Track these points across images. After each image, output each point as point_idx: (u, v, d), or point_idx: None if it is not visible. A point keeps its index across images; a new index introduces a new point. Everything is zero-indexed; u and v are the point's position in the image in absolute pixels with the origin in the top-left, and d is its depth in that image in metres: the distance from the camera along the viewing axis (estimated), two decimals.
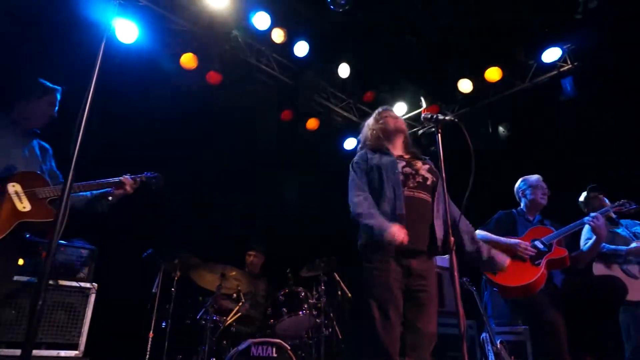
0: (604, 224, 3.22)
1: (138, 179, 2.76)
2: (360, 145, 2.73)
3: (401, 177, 2.37)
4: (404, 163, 2.45)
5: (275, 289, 4.45)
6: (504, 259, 2.49)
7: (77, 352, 3.14)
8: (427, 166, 2.50)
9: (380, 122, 2.64)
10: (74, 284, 3.27)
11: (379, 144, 2.57)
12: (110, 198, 2.64)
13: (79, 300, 3.27)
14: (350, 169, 2.51)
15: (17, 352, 2.81)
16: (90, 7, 3.87)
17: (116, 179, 2.66)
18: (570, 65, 5.31)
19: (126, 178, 2.68)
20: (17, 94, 2.58)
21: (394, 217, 2.23)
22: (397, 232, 2.09)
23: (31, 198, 2.29)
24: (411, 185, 2.37)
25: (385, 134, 2.60)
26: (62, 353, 3.08)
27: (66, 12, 4.08)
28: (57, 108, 2.66)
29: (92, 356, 3.20)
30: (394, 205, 2.27)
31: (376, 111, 2.74)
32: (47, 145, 2.71)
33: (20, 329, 2.95)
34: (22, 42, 4.12)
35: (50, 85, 2.65)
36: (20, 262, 3.08)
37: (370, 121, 2.73)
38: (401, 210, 2.25)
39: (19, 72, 3.50)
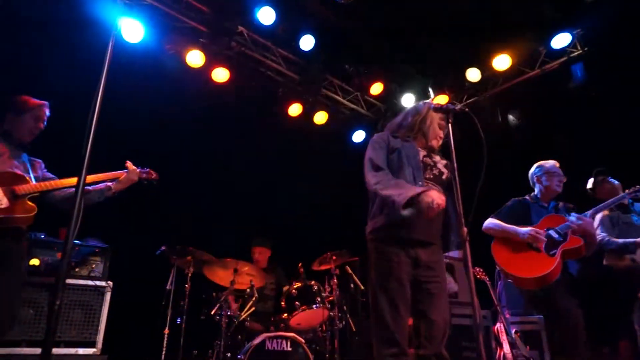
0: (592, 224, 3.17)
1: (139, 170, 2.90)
2: (391, 125, 2.62)
3: (421, 165, 2.36)
4: (424, 152, 2.45)
5: (286, 283, 4.47)
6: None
7: (94, 349, 3.19)
8: (444, 161, 2.49)
9: (437, 127, 2.49)
10: (90, 282, 3.32)
11: (407, 134, 2.50)
12: (112, 191, 2.75)
13: (95, 299, 3.32)
14: (370, 144, 2.45)
15: (37, 350, 2.87)
16: (96, 7, 3.89)
17: (120, 172, 2.79)
18: (580, 51, 5.23)
19: (129, 165, 2.84)
20: (7, 107, 2.67)
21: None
22: (435, 195, 2.03)
23: (9, 195, 2.35)
24: (427, 176, 2.36)
25: (428, 129, 2.48)
26: (81, 351, 3.13)
27: (72, 13, 4.11)
28: (44, 123, 2.74)
29: (109, 353, 3.25)
30: None
31: (429, 105, 2.53)
32: (37, 159, 2.80)
33: (39, 327, 3.00)
34: (27, 43, 4.14)
35: (37, 100, 2.73)
36: (35, 262, 3.13)
37: (435, 115, 2.50)
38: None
39: (15, 81, 3.57)
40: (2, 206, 2.29)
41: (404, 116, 2.60)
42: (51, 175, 2.78)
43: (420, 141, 2.51)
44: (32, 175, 2.61)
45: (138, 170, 2.92)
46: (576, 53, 5.25)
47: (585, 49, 5.17)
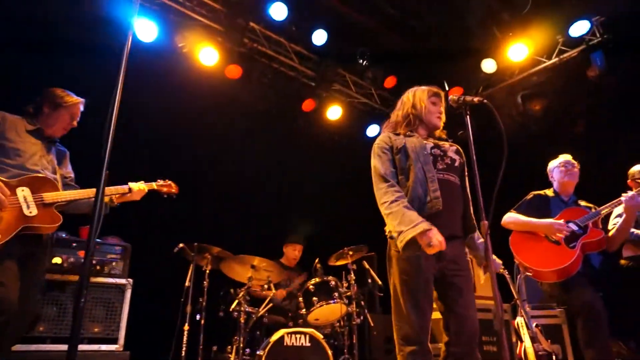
0: (636, 205, 3.09)
1: (147, 188, 2.86)
2: (388, 124, 2.58)
3: (430, 158, 2.30)
4: (431, 144, 2.39)
5: (306, 280, 4.48)
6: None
7: (117, 345, 3.23)
8: (454, 147, 2.44)
9: (430, 102, 2.45)
10: (110, 280, 3.36)
11: (407, 128, 2.44)
12: (114, 201, 2.72)
13: (116, 296, 3.36)
14: (373, 152, 2.40)
15: (62, 346, 2.93)
16: (111, 7, 3.92)
17: (124, 187, 2.73)
18: (599, 38, 5.09)
19: (133, 186, 2.76)
20: (43, 102, 2.66)
21: (426, 201, 2.17)
22: (435, 237, 2.04)
23: (39, 203, 2.35)
24: (440, 167, 2.30)
25: (426, 116, 2.44)
26: (104, 347, 3.18)
27: (87, 12, 4.15)
28: (77, 120, 2.75)
29: (131, 349, 3.29)
30: (427, 188, 2.20)
31: (433, 89, 2.50)
32: (64, 150, 2.82)
33: (63, 324, 3.05)
34: (45, 44, 4.19)
35: (75, 97, 2.73)
36: (57, 260, 3.18)
37: (422, 93, 2.48)
38: (436, 193, 2.18)
39: (46, 78, 3.61)
40: (32, 214, 2.31)
41: (395, 113, 2.56)
42: (72, 173, 2.79)
43: (421, 130, 2.45)
44: (58, 176, 2.62)
45: (154, 184, 2.92)
46: (595, 41, 5.12)
47: (605, 36, 5.04)
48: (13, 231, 2.22)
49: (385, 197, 2.21)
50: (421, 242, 2.05)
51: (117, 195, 2.71)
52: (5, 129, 2.47)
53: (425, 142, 2.37)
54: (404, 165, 2.29)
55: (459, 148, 2.46)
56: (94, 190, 2.49)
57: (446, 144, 2.44)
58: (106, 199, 2.68)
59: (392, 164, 2.33)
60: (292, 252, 4.88)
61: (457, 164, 2.37)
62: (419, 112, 2.44)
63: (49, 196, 2.39)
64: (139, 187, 2.78)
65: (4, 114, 2.54)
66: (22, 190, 2.32)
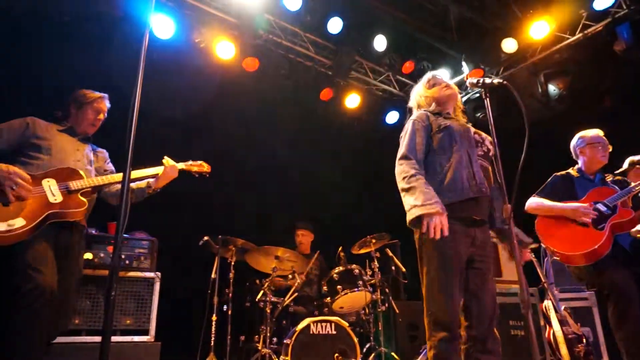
0: None
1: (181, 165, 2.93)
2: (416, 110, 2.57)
3: (474, 142, 2.32)
4: (473, 130, 2.40)
5: (328, 268, 4.51)
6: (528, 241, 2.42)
7: (148, 337, 3.33)
8: (489, 139, 2.43)
9: (431, 89, 2.50)
10: (139, 274, 3.46)
11: (436, 110, 2.45)
12: (152, 188, 2.82)
13: (145, 289, 3.45)
14: (407, 127, 2.37)
15: (96, 338, 3.05)
16: (128, 5, 3.96)
17: (155, 169, 2.81)
18: (626, 10, 4.89)
19: (165, 162, 2.85)
20: (69, 104, 2.82)
21: (471, 184, 2.17)
22: (442, 223, 2.02)
23: (64, 191, 2.45)
24: (479, 153, 2.33)
25: (437, 102, 2.46)
26: (136, 338, 3.28)
27: (103, 9, 4.21)
28: (104, 115, 2.87)
29: (162, 340, 3.39)
30: (472, 170, 2.20)
31: (425, 78, 2.57)
32: (101, 149, 2.95)
33: (96, 317, 3.17)
34: (65, 43, 4.27)
35: (96, 93, 2.85)
36: (88, 256, 3.29)
37: (419, 89, 2.56)
38: (480, 179, 2.19)
39: (66, 76, 3.72)
40: (57, 201, 2.41)
41: (421, 96, 2.54)
42: (112, 168, 2.92)
43: (447, 111, 2.47)
44: (92, 168, 2.74)
45: (183, 164, 2.95)
46: (621, 13, 4.91)
47: (632, 7, 4.83)
48: (39, 217, 2.31)
49: (405, 172, 2.20)
50: (425, 221, 2.04)
51: (154, 179, 2.81)
52: (36, 129, 2.62)
53: (468, 126, 2.40)
54: (445, 145, 2.28)
55: (492, 141, 2.43)
56: (118, 176, 2.63)
57: (483, 133, 2.45)
58: (143, 183, 2.81)
59: (426, 142, 2.31)
60: (297, 238, 4.91)
61: (490, 154, 2.38)
62: (433, 94, 2.48)
63: (74, 184, 2.50)
64: (171, 163, 2.86)
65: (34, 118, 2.68)
66: (48, 181, 2.44)
